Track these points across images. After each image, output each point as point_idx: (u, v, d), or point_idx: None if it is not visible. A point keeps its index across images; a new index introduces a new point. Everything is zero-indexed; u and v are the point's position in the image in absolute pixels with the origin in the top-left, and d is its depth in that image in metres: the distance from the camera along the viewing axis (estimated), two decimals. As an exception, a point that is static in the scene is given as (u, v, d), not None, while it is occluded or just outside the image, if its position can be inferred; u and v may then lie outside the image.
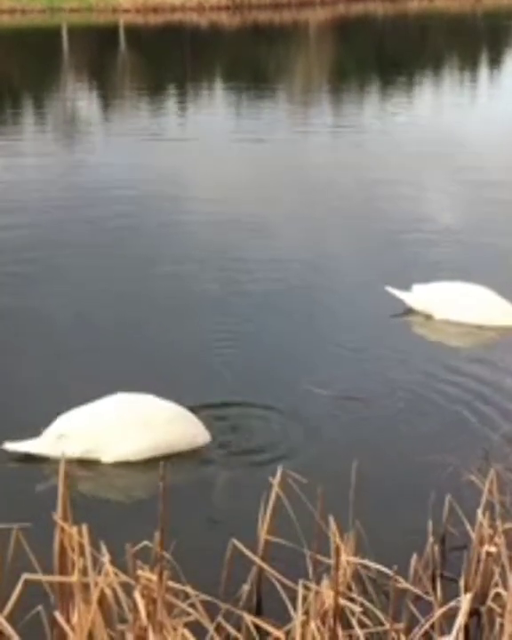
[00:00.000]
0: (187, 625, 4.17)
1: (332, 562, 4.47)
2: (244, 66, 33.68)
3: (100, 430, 6.57)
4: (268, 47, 38.40)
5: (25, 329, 8.96)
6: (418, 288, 9.35)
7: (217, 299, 9.76)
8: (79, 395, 6.82)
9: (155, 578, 4.05)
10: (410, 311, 9.39)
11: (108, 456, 6.56)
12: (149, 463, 6.48)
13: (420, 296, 9.34)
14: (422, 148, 18.01)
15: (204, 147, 18.57)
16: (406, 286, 9.41)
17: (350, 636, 4.31)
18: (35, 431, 6.59)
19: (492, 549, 4.43)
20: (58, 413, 6.63)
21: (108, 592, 4.12)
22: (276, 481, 4.98)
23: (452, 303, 9.15)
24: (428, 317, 9.29)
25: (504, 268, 10.61)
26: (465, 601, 3.85)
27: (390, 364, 8.18)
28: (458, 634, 3.84)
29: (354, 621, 4.37)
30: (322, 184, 15.08)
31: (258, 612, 4.86)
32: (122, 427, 6.57)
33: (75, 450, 6.49)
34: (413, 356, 8.35)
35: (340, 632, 4.17)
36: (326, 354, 8.45)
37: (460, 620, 3.83)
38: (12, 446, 6.52)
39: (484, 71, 32.82)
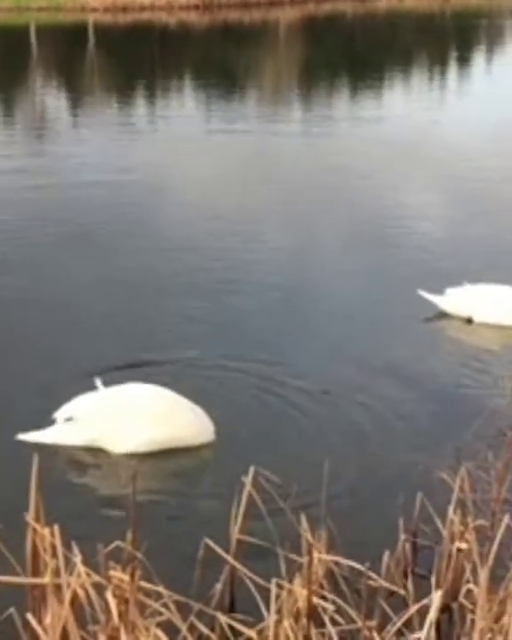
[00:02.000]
0: (159, 625, 4.17)
1: (304, 560, 4.49)
2: (213, 65, 33.60)
3: (108, 419, 6.67)
4: (238, 46, 38.38)
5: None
6: (452, 291, 9.26)
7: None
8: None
9: (127, 578, 4.04)
10: (444, 315, 9.33)
11: (113, 446, 6.65)
12: (152, 456, 6.58)
13: (456, 299, 9.24)
14: (394, 144, 18.14)
15: (174, 144, 18.59)
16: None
17: (323, 634, 4.32)
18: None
19: (463, 546, 4.45)
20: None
21: (81, 593, 4.12)
22: (248, 480, 4.98)
23: (491, 306, 9.06)
24: (468, 321, 9.23)
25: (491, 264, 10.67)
26: (436, 597, 3.87)
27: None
28: (429, 630, 3.86)
29: (327, 619, 4.38)
30: (293, 182, 15.12)
31: (231, 611, 4.86)
32: (131, 417, 6.65)
33: (81, 437, 6.66)
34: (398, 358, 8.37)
35: (313, 630, 4.18)
36: (323, 350, 8.46)
37: (432, 616, 3.85)
38: (26, 437, 6.66)
39: (452, 69, 32.96)
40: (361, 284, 10.30)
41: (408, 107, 24.18)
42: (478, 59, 36.24)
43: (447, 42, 42.24)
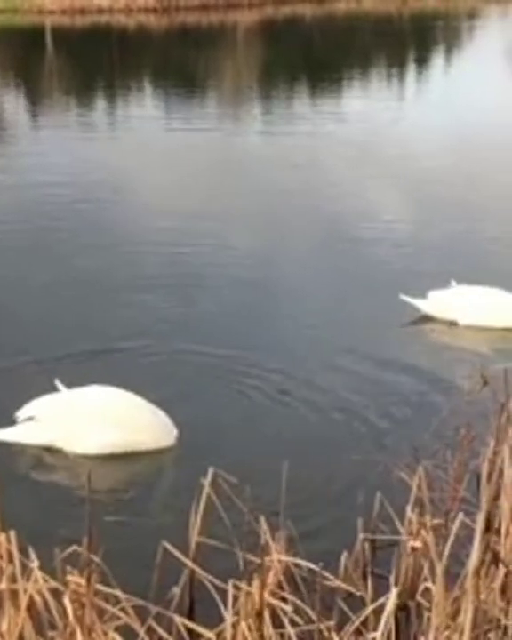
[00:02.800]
0: (117, 629, 4.15)
1: (261, 561, 4.49)
2: (172, 67, 33.53)
3: (68, 420, 6.68)
4: (197, 49, 38.29)
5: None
6: (435, 294, 9.19)
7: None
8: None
9: (84, 582, 4.01)
10: (427, 318, 9.29)
11: (72, 447, 6.65)
12: (112, 459, 6.56)
13: (439, 302, 9.17)
14: (354, 145, 18.23)
15: (134, 145, 18.60)
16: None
17: (282, 635, 4.32)
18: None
19: (417, 544, 4.47)
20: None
21: (38, 598, 4.09)
22: (207, 482, 4.98)
23: (476, 308, 9.01)
24: (451, 324, 9.20)
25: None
26: (392, 596, 3.88)
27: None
28: (386, 630, 3.87)
29: (286, 620, 4.38)
30: (254, 182, 15.18)
31: (190, 613, 4.85)
32: (92, 419, 6.65)
33: (41, 438, 6.67)
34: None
35: (271, 631, 4.18)
36: (290, 352, 8.47)
37: (387, 615, 3.85)
38: None
39: (410, 71, 33.14)
40: (330, 284, 10.35)
41: (366, 107, 24.26)
42: (435, 60, 36.48)
43: (405, 44, 42.45)
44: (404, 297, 9.16)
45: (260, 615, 4.10)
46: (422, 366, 8.21)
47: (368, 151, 17.68)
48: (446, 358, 8.43)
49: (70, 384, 6.89)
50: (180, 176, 15.62)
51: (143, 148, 18.31)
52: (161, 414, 6.80)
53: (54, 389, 6.84)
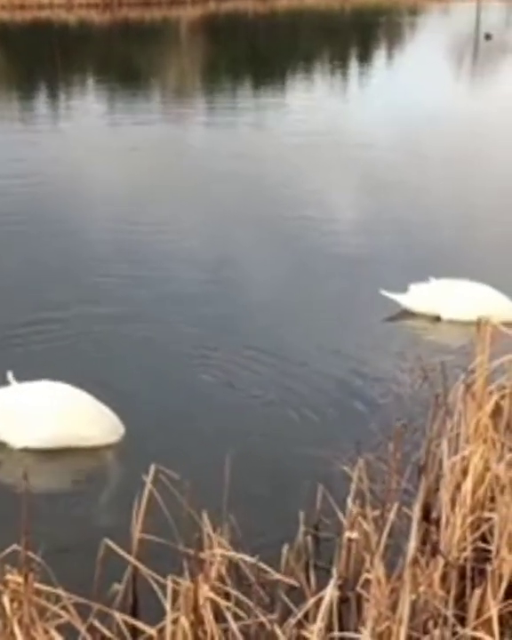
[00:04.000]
0: (59, 628, 4.12)
1: (204, 556, 4.49)
2: (115, 63, 33.32)
3: (12, 414, 6.67)
4: (140, 45, 38.11)
5: None
6: (415, 288, 9.09)
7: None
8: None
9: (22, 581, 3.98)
10: (406, 314, 9.22)
11: (14, 441, 6.64)
12: (55, 454, 6.53)
13: (421, 297, 9.07)
14: (299, 136, 18.34)
15: (77, 140, 18.48)
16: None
17: (225, 630, 4.32)
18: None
19: (354, 536, 4.49)
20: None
21: (-24, 599, 4.04)
22: (148, 478, 4.97)
23: (459, 301, 8.93)
24: (436, 319, 9.15)
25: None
26: (330, 588, 3.89)
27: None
28: (324, 621, 3.89)
29: (228, 615, 4.38)
30: (200, 175, 15.18)
31: (134, 610, 4.83)
32: (37, 414, 6.64)
33: None
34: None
35: (212, 626, 4.18)
36: (240, 344, 8.43)
37: (325, 607, 3.87)
38: None
39: (353, 66, 33.29)
40: (284, 277, 10.36)
41: (309, 101, 24.36)
42: (377, 55, 36.71)
43: (347, 39, 42.65)
44: (384, 292, 9.09)
45: (199, 610, 4.09)
46: (375, 360, 8.21)
47: (309, 142, 17.85)
48: (418, 353, 8.36)
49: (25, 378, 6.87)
50: (123, 168, 15.65)
51: (86, 141, 18.25)
52: (107, 410, 6.80)
53: (5, 383, 6.82)
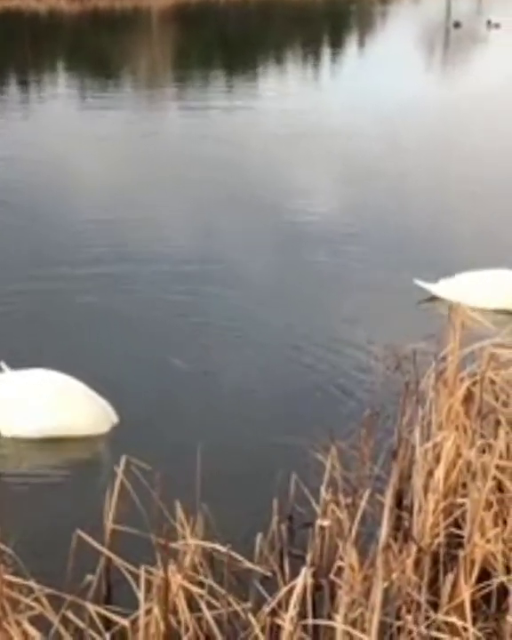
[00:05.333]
0: (31, 619, 4.10)
1: (177, 546, 4.48)
2: (86, 52, 33.09)
3: (4, 402, 6.66)
4: (111, 34, 37.93)
5: None
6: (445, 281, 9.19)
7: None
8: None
9: (-6, 574, 3.96)
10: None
11: (5, 430, 6.62)
12: (43, 443, 6.52)
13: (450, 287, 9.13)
14: (271, 126, 18.39)
15: (48, 127, 18.48)
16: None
17: (198, 619, 4.32)
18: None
19: (326, 523, 4.50)
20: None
21: None
22: (119, 469, 4.96)
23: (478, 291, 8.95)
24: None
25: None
26: (302, 576, 3.90)
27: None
28: (298, 609, 3.89)
29: (202, 604, 4.38)
30: (176, 163, 15.18)
31: (107, 601, 4.81)
32: (26, 402, 6.64)
33: None
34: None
35: (187, 616, 4.17)
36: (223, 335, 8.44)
37: (299, 594, 3.87)
38: None
39: (324, 54, 33.26)
40: (276, 265, 10.38)
41: (281, 89, 24.37)
42: (349, 43, 36.70)
43: (319, 27, 42.59)
44: (418, 282, 9.18)
45: (171, 600, 4.09)
46: (349, 349, 8.20)
47: (280, 128, 17.97)
48: (385, 341, 8.34)
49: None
50: (94, 154, 15.66)
51: (56, 129, 18.24)
52: (101, 400, 6.80)
53: None
